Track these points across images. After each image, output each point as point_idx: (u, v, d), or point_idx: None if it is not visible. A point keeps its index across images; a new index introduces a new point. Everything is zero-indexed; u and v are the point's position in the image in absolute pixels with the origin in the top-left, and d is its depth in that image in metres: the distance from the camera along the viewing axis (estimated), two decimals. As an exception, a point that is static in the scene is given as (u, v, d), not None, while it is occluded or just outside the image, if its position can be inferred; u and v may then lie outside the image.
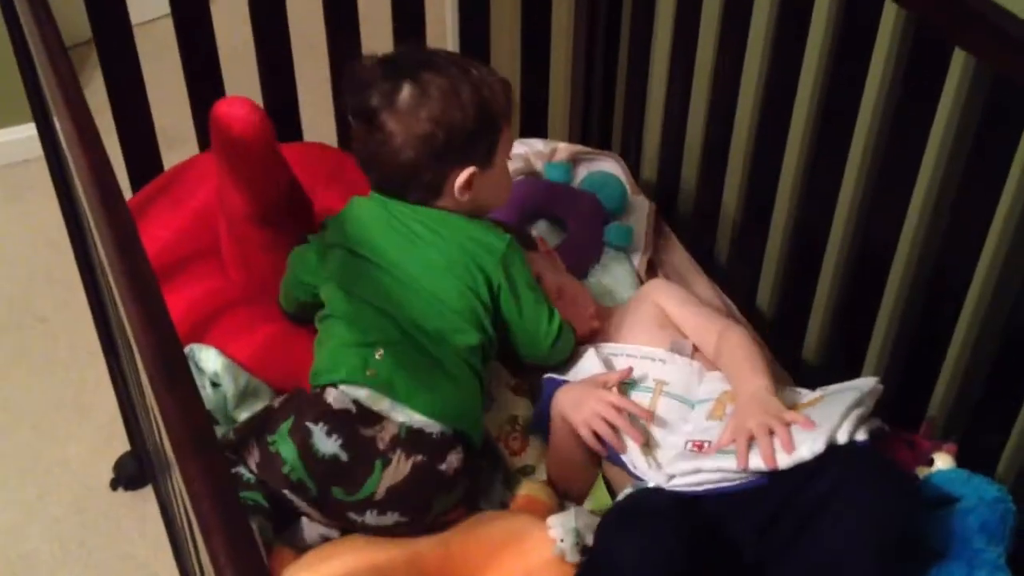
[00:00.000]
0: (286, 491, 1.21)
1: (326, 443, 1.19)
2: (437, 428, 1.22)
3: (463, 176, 1.30)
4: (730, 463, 1.21)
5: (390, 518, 1.22)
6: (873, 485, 1.12)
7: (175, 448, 0.77)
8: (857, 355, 1.53)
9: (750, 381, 1.29)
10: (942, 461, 1.33)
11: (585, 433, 1.28)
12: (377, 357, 1.24)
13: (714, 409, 1.31)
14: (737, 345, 1.35)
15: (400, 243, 1.32)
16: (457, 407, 1.25)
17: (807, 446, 1.17)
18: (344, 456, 1.19)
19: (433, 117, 1.28)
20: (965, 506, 1.25)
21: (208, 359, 1.36)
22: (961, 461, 1.33)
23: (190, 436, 0.78)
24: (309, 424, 1.20)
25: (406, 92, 1.28)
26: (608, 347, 1.41)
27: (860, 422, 1.22)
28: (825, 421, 1.20)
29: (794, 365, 1.59)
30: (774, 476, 1.19)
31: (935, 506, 1.28)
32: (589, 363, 1.38)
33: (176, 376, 0.80)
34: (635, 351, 1.38)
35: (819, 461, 1.16)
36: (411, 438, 1.21)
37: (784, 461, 1.18)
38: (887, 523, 1.10)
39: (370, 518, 1.21)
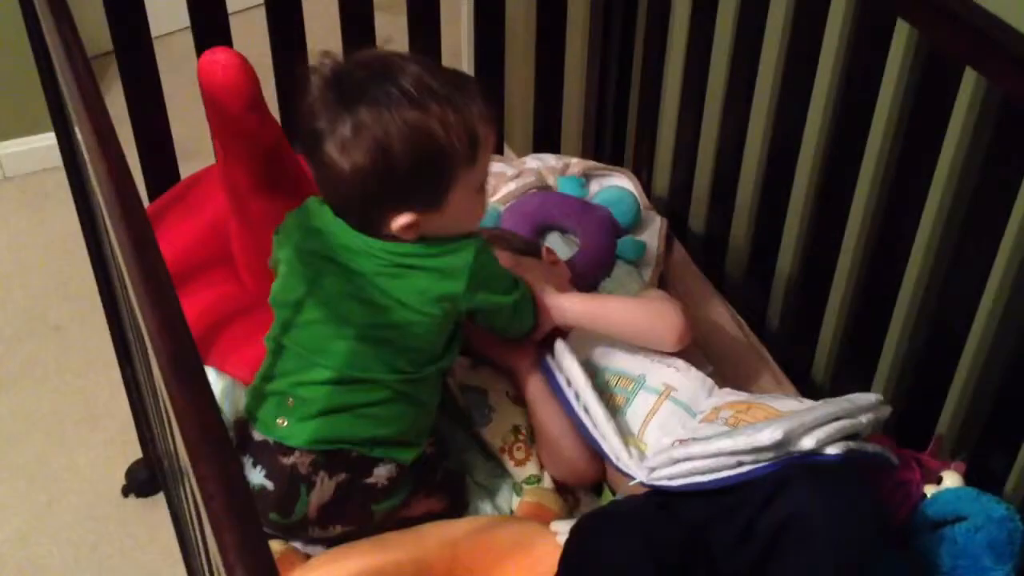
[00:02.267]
0: None
1: (253, 474, 1.22)
2: (355, 451, 1.23)
3: (401, 220, 1.18)
4: (703, 448, 1.22)
5: (333, 531, 1.25)
6: (835, 509, 1.11)
7: (188, 447, 0.78)
8: (867, 373, 1.53)
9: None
10: (951, 479, 1.34)
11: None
12: (289, 405, 1.23)
13: (708, 415, 1.32)
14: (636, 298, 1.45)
15: (353, 264, 1.24)
16: (378, 436, 1.24)
17: (768, 432, 1.17)
18: (270, 485, 1.22)
19: (367, 157, 1.14)
20: (973, 524, 1.26)
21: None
22: (970, 480, 1.33)
23: (203, 436, 0.79)
24: (242, 457, 1.24)
25: (346, 126, 1.15)
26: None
27: (840, 435, 1.21)
28: (796, 417, 1.20)
29: (804, 382, 1.60)
30: (745, 485, 1.19)
31: (943, 524, 1.29)
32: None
33: (190, 376, 0.81)
34: (654, 353, 1.40)
35: (787, 475, 1.16)
36: (330, 461, 1.22)
37: (741, 443, 1.18)
38: (848, 548, 1.10)
39: (315, 532, 1.25)
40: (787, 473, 1.17)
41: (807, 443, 1.18)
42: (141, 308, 0.89)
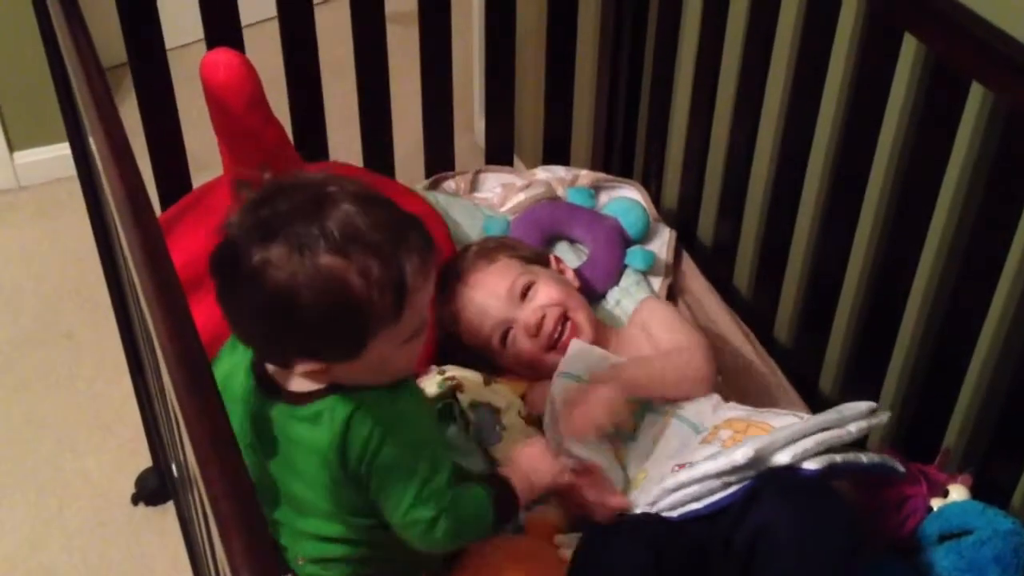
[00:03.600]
0: None
1: None
2: None
3: (305, 366, 1.06)
4: (689, 475, 1.23)
5: None
6: (802, 522, 1.12)
7: (196, 450, 0.80)
8: (874, 386, 1.53)
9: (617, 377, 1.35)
10: (957, 493, 1.34)
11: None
12: (298, 563, 1.19)
13: (709, 435, 1.32)
14: (667, 358, 1.42)
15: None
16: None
17: (741, 451, 1.19)
18: None
19: (269, 301, 1.01)
20: (979, 537, 1.26)
21: None
22: (976, 493, 1.33)
23: (211, 438, 0.80)
24: None
25: (254, 259, 1.00)
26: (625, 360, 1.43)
27: (821, 447, 1.21)
28: (774, 434, 1.22)
29: (811, 394, 1.60)
30: (726, 500, 1.21)
31: (949, 537, 1.29)
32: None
33: (199, 381, 0.83)
34: None
35: (758, 490, 1.17)
36: None
37: (722, 464, 1.20)
38: (815, 561, 1.11)
39: None
40: (758, 488, 1.18)
41: (782, 458, 1.19)
42: (152, 315, 0.90)
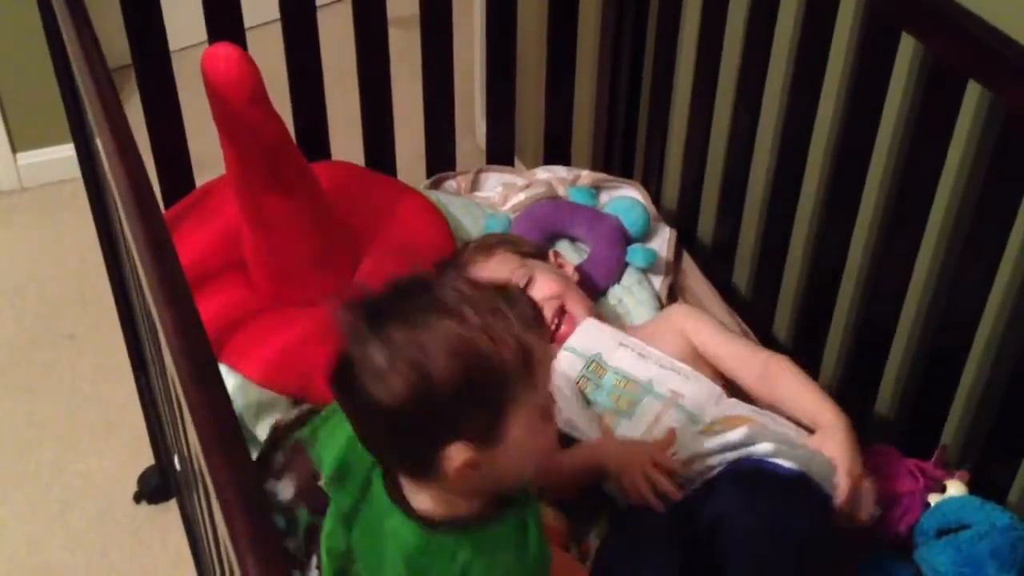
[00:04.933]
0: None
1: None
2: None
3: (456, 459, 0.96)
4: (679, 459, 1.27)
5: None
6: (757, 512, 1.15)
7: (201, 440, 0.81)
8: (872, 383, 1.54)
9: (827, 411, 1.34)
10: (954, 488, 1.35)
11: (632, 492, 1.28)
12: None
13: (706, 428, 1.34)
14: (791, 372, 1.41)
15: None
16: None
17: (739, 432, 1.24)
18: None
19: (406, 383, 0.94)
20: (977, 532, 1.27)
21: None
22: (974, 489, 1.34)
23: (217, 430, 0.81)
24: None
25: (376, 349, 0.95)
26: (638, 344, 1.44)
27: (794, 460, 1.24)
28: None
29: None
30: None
31: (947, 532, 1.29)
32: (611, 346, 1.43)
33: (204, 371, 0.84)
34: (663, 358, 1.41)
35: (719, 477, 1.21)
36: None
37: (715, 443, 1.24)
38: (768, 554, 1.14)
39: None
40: (714, 479, 1.22)
41: (765, 447, 1.21)
42: (157, 306, 0.91)
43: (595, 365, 1.43)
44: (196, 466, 0.95)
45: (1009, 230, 1.29)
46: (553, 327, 1.48)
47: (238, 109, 1.35)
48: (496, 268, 1.52)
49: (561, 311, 1.49)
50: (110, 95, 1.14)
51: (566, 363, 1.43)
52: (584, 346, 1.44)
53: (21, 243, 2.56)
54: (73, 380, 2.22)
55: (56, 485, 2.01)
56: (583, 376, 1.42)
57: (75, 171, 1.69)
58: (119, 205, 1.05)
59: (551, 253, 1.60)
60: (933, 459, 1.38)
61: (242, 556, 0.75)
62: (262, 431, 1.43)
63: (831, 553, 1.21)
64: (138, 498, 1.97)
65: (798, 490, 1.20)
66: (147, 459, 1.98)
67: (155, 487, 1.95)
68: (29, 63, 2.41)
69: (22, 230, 2.59)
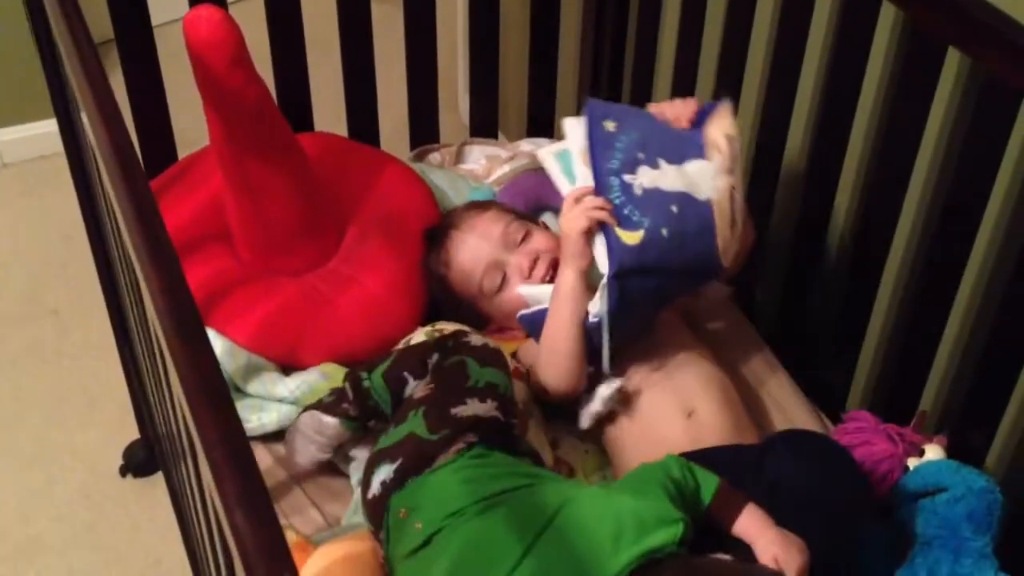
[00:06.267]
0: None
1: None
2: None
3: None
4: None
5: None
6: (816, 473, 1.19)
7: (189, 398, 0.81)
8: (853, 349, 1.56)
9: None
10: (933, 452, 1.37)
11: (581, 226, 1.33)
12: None
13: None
14: None
15: None
16: None
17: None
18: None
19: None
20: (953, 495, 1.28)
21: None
22: (952, 454, 1.36)
23: (204, 388, 0.82)
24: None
25: None
26: None
27: None
28: None
29: (791, 357, 1.62)
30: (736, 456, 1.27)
31: (924, 495, 1.31)
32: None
33: (190, 330, 0.84)
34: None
35: (769, 445, 1.24)
36: None
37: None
38: (831, 512, 1.18)
39: None
40: (768, 443, 1.22)
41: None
42: (142, 267, 0.91)
43: None
44: (182, 429, 0.96)
45: (987, 197, 1.31)
46: (548, 280, 1.49)
47: (221, 71, 1.34)
48: (492, 222, 1.53)
49: (555, 264, 1.50)
50: (94, 63, 1.14)
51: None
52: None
53: (3, 219, 2.55)
54: (58, 355, 2.22)
55: (42, 459, 2.01)
56: None
57: (57, 146, 1.68)
58: (103, 170, 1.05)
59: (542, 222, 1.61)
60: (912, 424, 1.40)
61: (231, 514, 0.75)
62: (253, 392, 1.45)
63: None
64: (124, 471, 1.97)
65: (843, 453, 1.24)
66: (132, 433, 1.98)
67: (141, 461, 1.96)
68: (8, 39, 2.41)
69: (4, 206, 2.58)
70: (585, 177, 1.36)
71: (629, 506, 1.09)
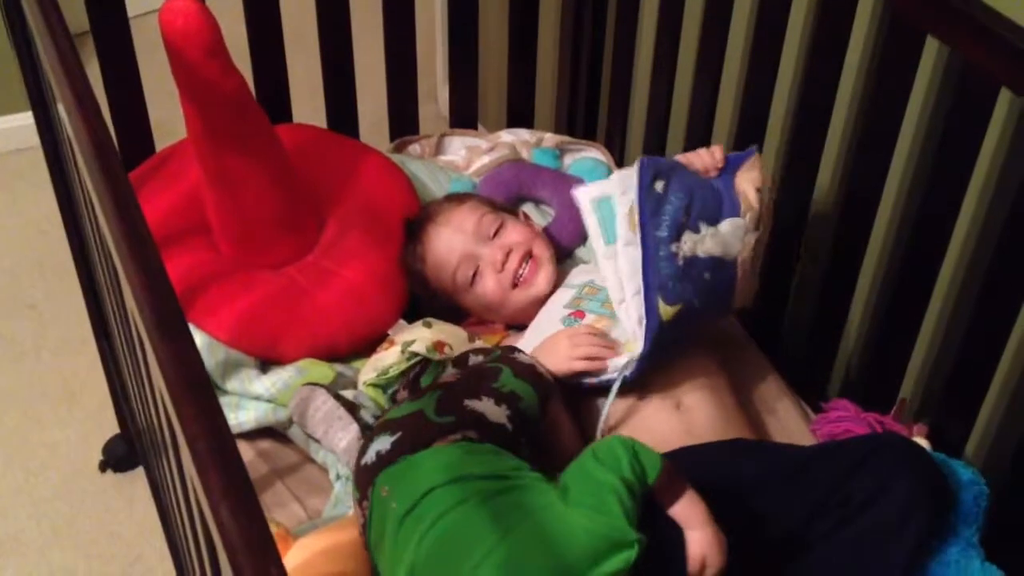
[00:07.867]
0: None
1: None
2: None
3: None
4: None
5: None
6: (912, 482, 1.19)
7: (171, 392, 0.80)
8: (833, 337, 1.56)
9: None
10: (918, 443, 1.37)
11: (574, 367, 1.34)
12: None
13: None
14: None
15: None
16: None
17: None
18: None
19: None
20: (940, 487, 1.29)
21: None
22: (932, 442, 1.37)
23: (186, 380, 0.81)
24: None
25: None
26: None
27: None
28: None
29: (773, 351, 1.63)
30: (817, 462, 1.25)
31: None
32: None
33: (171, 322, 0.83)
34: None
35: (862, 455, 1.22)
36: None
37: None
38: (922, 518, 1.19)
39: None
40: (860, 452, 1.23)
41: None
42: (121, 259, 0.91)
43: (588, 288, 1.45)
44: (164, 423, 0.95)
45: (966, 184, 1.32)
46: (519, 272, 1.49)
47: (197, 62, 1.33)
48: (467, 214, 1.53)
49: (528, 256, 1.50)
50: (71, 55, 1.13)
51: (557, 298, 1.46)
52: (572, 280, 1.48)
53: (-22, 214, 2.53)
54: (35, 351, 2.20)
55: (20, 455, 2.00)
56: (575, 298, 1.45)
57: (32, 139, 1.67)
58: (80, 162, 1.04)
59: (521, 213, 1.61)
60: (892, 412, 1.41)
61: (216, 508, 0.75)
62: (231, 389, 1.44)
63: None
64: (103, 467, 1.96)
65: (935, 465, 1.26)
66: (111, 428, 1.97)
67: (121, 456, 1.95)
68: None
69: (-22, 201, 2.56)
70: (627, 239, 1.37)
71: (584, 527, 1.06)
